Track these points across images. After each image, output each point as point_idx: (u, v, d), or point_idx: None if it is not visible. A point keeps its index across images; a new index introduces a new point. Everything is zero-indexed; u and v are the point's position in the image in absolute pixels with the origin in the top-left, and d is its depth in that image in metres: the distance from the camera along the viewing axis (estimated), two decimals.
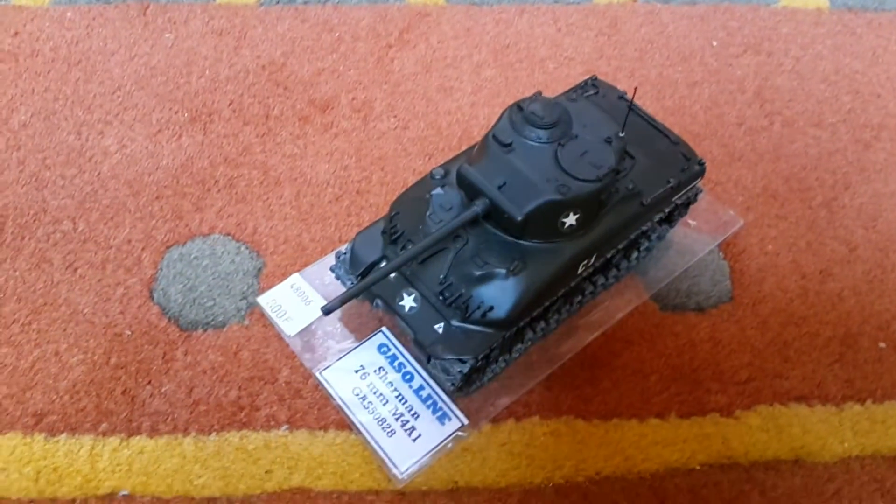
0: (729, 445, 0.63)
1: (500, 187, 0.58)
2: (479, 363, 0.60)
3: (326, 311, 0.53)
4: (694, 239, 0.73)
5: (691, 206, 0.72)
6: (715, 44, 0.88)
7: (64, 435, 0.60)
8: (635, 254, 0.70)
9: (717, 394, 0.65)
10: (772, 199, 0.76)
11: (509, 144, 0.59)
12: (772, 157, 0.79)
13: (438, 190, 0.60)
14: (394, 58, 0.84)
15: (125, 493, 0.58)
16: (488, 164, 0.59)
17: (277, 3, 0.88)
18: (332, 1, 0.89)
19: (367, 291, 0.62)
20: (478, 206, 0.58)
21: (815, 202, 0.76)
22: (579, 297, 0.67)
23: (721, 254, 0.73)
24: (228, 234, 0.71)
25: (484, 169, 0.59)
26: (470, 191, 0.59)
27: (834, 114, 0.83)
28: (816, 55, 0.88)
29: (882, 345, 0.68)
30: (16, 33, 0.83)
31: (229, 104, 0.79)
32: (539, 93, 0.62)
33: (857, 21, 0.92)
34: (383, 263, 0.62)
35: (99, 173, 0.74)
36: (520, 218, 0.57)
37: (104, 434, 0.61)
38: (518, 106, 0.61)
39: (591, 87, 0.70)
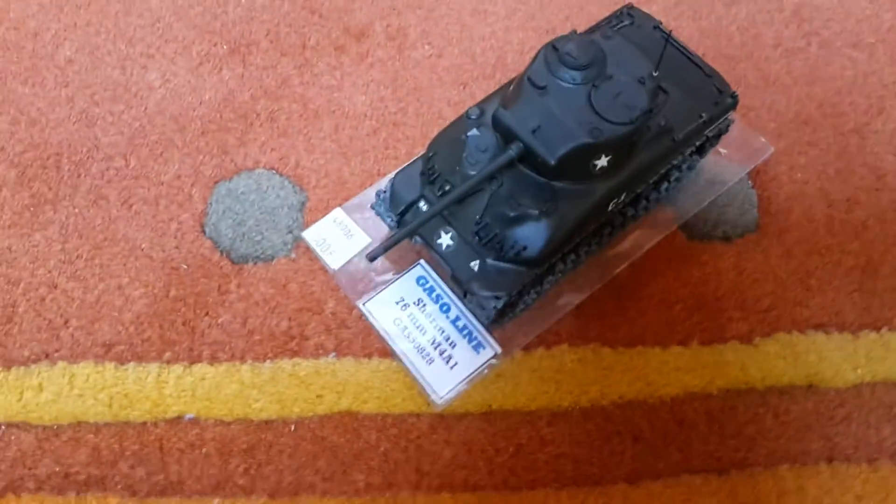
0: (747, 371, 0.65)
1: (534, 131, 0.58)
2: (513, 298, 0.62)
3: (371, 258, 0.56)
4: (724, 167, 0.73)
5: (723, 136, 0.72)
6: None
7: (132, 363, 0.65)
8: (665, 185, 0.70)
9: (739, 322, 0.67)
10: (804, 126, 0.75)
11: (544, 87, 0.59)
12: (807, 80, 0.77)
13: (474, 131, 0.61)
14: None
15: (191, 416, 0.63)
16: (523, 106, 0.59)
17: None
18: None
19: (406, 225, 0.65)
20: (512, 151, 0.59)
21: (846, 128, 0.75)
22: (609, 230, 0.69)
23: (750, 182, 0.73)
24: (272, 168, 0.73)
25: (518, 112, 0.59)
26: (505, 134, 0.60)
27: (873, 33, 0.80)
28: None
29: None
30: None
31: (266, 34, 0.79)
32: (574, 31, 0.61)
33: None
34: (422, 203, 0.63)
35: (146, 108, 0.75)
36: (553, 162, 0.57)
37: (168, 362, 0.65)
38: (553, 46, 0.60)
39: (627, 17, 0.68)
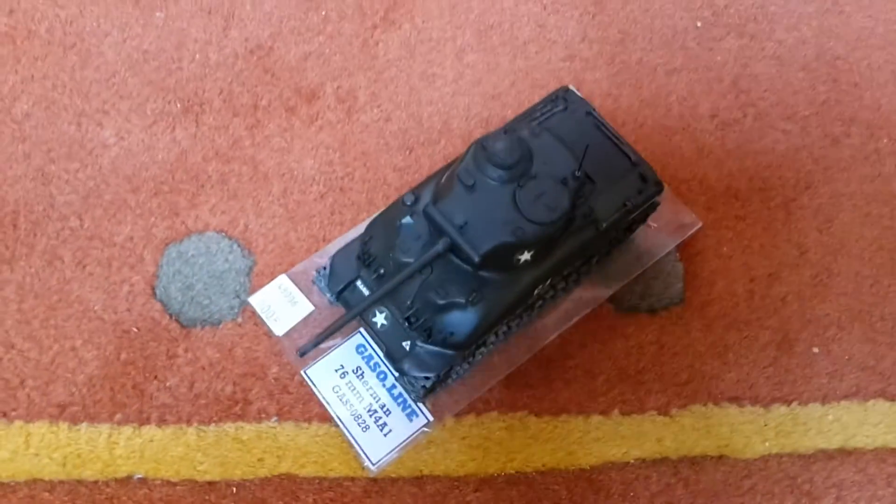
0: (662, 442, 0.72)
1: (460, 228, 0.63)
2: (441, 378, 0.68)
3: (302, 353, 0.61)
4: (653, 240, 0.79)
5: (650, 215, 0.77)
6: (699, 24, 0.88)
7: (84, 424, 0.70)
8: (595, 259, 0.76)
9: (657, 394, 0.73)
10: (733, 199, 0.80)
11: (472, 185, 0.63)
12: (739, 153, 0.82)
13: (408, 219, 0.66)
14: (378, 40, 0.86)
15: (140, 476, 0.69)
16: (451, 203, 0.64)
17: None
18: None
19: (345, 305, 0.70)
20: (440, 246, 0.64)
21: (773, 203, 0.80)
22: (539, 303, 0.74)
23: (677, 255, 0.78)
24: (222, 231, 0.77)
25: (447, 208, 0.64)
26: (435, 228, 0.64)
27: (808, 105, 0.85)
28: (800, 39, 0.88)
29: (815, 350, 0.75)
30: (11, 11, 0.86)
31: (220, 93, 0.83)
32: (503, 130, 0.66)
33: None
34: (359, 282, 0.69)
35: (100, 168, 0.79)
36: (477, 259, 0.62)
37: (119, 423, 0.71)
38: (482, 144, 0.65)
39: (561, 101, 0.73)
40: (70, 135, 0.81)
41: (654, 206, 0.75)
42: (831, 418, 0.74)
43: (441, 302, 0.66)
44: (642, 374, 0.74)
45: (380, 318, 0.68)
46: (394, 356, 0.67)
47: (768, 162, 0.82)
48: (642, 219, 0.76)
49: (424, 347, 0.67)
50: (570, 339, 0.75)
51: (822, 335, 0.76)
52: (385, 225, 0.69)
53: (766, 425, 0.73)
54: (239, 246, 0.78)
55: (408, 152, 0.82)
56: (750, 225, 0.80)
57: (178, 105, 0.83)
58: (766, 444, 0.73)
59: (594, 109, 0.74)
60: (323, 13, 0.88)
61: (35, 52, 0.85)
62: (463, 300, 0.65)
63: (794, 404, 0.74)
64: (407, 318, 0.66)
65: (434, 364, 0.67)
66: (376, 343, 0.71)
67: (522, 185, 0.64)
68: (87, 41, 0.85)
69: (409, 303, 0.66)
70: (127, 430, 0.71)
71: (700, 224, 0.79)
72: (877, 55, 0.88)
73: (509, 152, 0.65)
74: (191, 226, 0.78)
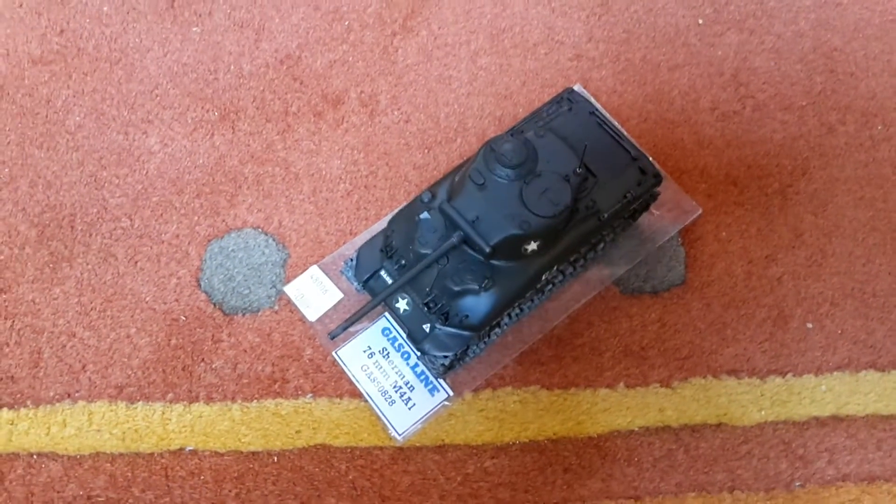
0: (664, 412, 0.81)
1: (472, 222, 0.73)
2: (458, 356, 0.78)
3: (333, 336, 0.71)
4: (656, 227, 0.88)
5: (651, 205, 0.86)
6: (701, 22, 0.97)
7: (140, 403, 0.82)
8: (602, 245, 0.85)
9: (660, 368, 0.82)
10: (732, 187, 0.89)
11: (482, 183, 0.73)
12: (738, 143, 0.91)
13: (425, 214, 0.76)
14: (398, 47, 0.96)
15: (190, 448, 0.80)
16: (464, 199, 0.75)
17: None
18: None
19: (370, 293, 0.80)
20: (454, 238, 0.74)
21: (770, 189, 0.89)
22: (549, 287, 0.84)
23: (679, 240, 0.87)
24: (258, 228, 0.88)
25: (460, 205, 0.74)
26: (449, 222, 0.74)
27: (804, 96, 0.93)
28: (798, 32, 0.96)
29: (809, 325, 0.84)
30: (61, 31, 0.98)
31: (253, 101, 0.94)
32: (510, 133, 0.75)
33: None
34: (382, 272, 0.79)
35: (147, 172, 0.91)
36: (487, 249, 0.72)
37: (171, 402, 0.82)
38: (491, 147, 0.74)
39: (566, 102, 0.82)
40: (119, 143, 0.93)
41: (654, 196, 0.84)
42: (824, 388, 0.82)
43: (457, 288, 0.76)
44: (646, 351, 0.83)
45: (402, 304, 0.78)
46: (415, 338, 0.78)
47: (766, 151, 0.91)
48: (644, 208, 0.85)
49: (443, 329, 0.77)
50: (579, 319, 0.85)
51: (816, 311, 0.85)
52: (405, 220, 0.79)
53: (762, 395, 0.82)
54: (274, 240, 0.88)
55: (426, 151, 0.91)
56: (748, 210, 0.88)
57: (216, 113, 0.94)
58: (762, 412, 0.81)
59: (597, 109, 0.83)
60: (346, 23, 0.98)
61: (84, 68, 0.96)
62: (476, 286, 0.75)
63: (789, 375, 0.83)
64: (426, 304, 0.76)
65: (452, 344, 0.77)
66: (400, 326, 0.82)
67: (528, 183, 0.74)
68: (131, 56, 0.97)
69: (428, 290, 0.77)
70: (178, 407, 0.82)
71: (700, 210, 0.88)
72: (873, 45, 0.95)
73: (516, 153, 0.74)
74: (230, 223, 0.89)
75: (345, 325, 0.74)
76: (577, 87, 0.88)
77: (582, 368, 0.84)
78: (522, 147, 0.76)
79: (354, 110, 0.95)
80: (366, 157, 0.92)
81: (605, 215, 0.79)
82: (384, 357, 0.85)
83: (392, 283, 0.76)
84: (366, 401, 0.82)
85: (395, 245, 0.79)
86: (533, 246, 0.75)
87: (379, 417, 0.82)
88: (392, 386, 0.83)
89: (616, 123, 0.83)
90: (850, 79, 0.95)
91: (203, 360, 0.85)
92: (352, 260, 0.83)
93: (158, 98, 0.96)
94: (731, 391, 0.83)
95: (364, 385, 0.83)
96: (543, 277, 0.80)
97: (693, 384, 0.83)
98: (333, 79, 0.96)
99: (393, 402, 0.83)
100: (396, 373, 0.84)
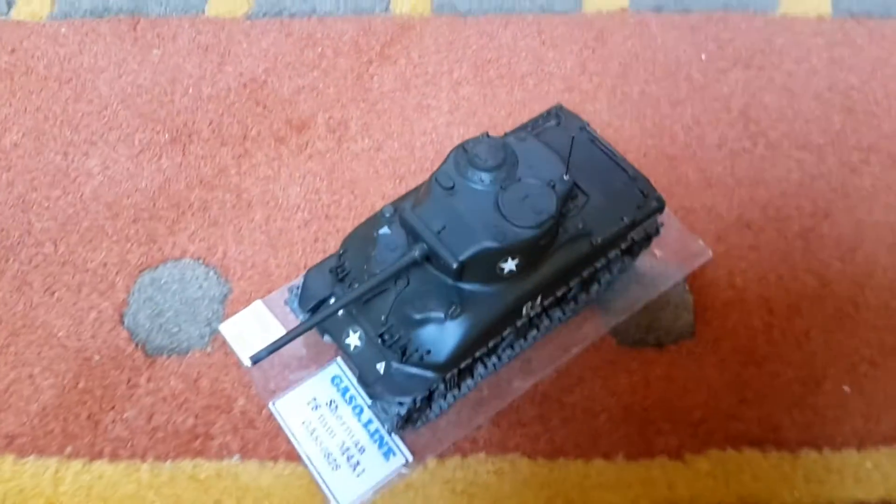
0: (675, 491, 0.60)
1: (438, 232, 0.56)
2: (419, 405, 0.58)
3: (254, 360, 0.53)
4: (659, 271, 0.70)
5: (657, 238, 0.69)
6: (704, 57, 0.82)
7: (32, 457, 0.62)
8: (595, 287, 0.67)
9: (668, 435, 0.62)
10: (745, 229, 0.72)
11: (451, 187, 0.56)
12: (751, 182, 0.74)
13: (385, 229, 0.59)
14: (374, 74, 0.82)
15: None
16: (430, 207, 0.57)
17: (264, 15, 0.86)
18: (317, 13, 0.86)
19: (318, 326, 0.62)
20: (416, 252, 0.56)
21: (791, 232, 0.72)
22: (534, 332, 0.65)
23: (686, 287, 0.69)
24: (199, 258, 0.71)
25: (424, 213, 0.57)
26: (411, 234, 0.57)
27: (822, 134, 0.77)
28: (811, 69, 0.81)
29: (846, 388, 0.64)
30: (13, 50, 0.84)
31: (209, 124, 0.78)
32: (486, 133, 0.59)
33: (859, 30, 0.84)
34: (332, 300, 0.61)
35: (82, 195, 0.74)
36: (455, 265, 0.54)
37: (69, 457, 0.62)
38: (463, 147, 0.58)
39: (554, 118, 0.66)
40: (56, 164, 0.77)
41: (656, 230, 0.67)
42: (870, 466, 0.62)
43: (418, 316, 0.57)
44: (650, 413, 0.64)
45: (353, 339, 0.59)
46: (366, 379, 0.58)
47: (782, 190, 0.74)
48: (644, 242, 0.68)
49: (400, 368, 0.58)
50: (569, 373, 0.65)
51: (853, 372, 0.65)
52: (362, 238, 0.62)
53: (794, 473, 0.61)
54: (215, 273, 0.71)
55: (398, 181, 0.75)
56: (765, 255, 0.71)
57: (167, 135, 0.78)
58: (795, 493, 0.60)
59: (588, 125, 0.67)
60: (319, 50, 0.84)
61: (31, 87, 0.81)
62: (442, 314, 0.57)
63: (826, 449, 0.62)
64: (381, 336, 0.58)
65: (410, 387, 0.57)
66: (350, 368, 0.63)
67: (506, 188, 0.57)
68: (84, 76, 0.82)
69: (383, 318, 0.58)
70: (76, 464, 0.62)
71: (710, 254, 0.70)
72: (892, 85, 0.80)
73: (492, 154, 0.58)
74: (167, 252, 0.72)
75: (271, 346, 0.54)
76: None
77: (572, 433, 0.64)
78: (500, 148, 0.59)
79: (321, 136, 0.79)
80: (329, 185, 0.76)
81: (599, 240, 0.62)
82: (332, 411, 0.65)
83: (335, 302, 0.58)
84: (304, 465, 0.62)
85: (349, 266, 0.61)
86: (511, 265, 0.57)
87: (319, 486, 0.61)
88: (338, 447, 0.63)
89: (610, 145, 0.67)
90: (870, 118, 0.79)
91: (113, 407, 0.65)
92: (298, 287, 0.66)
93: (106, 119, 0.80)
94: (756, 467, 0.62)
95: (304, 444, 0.63)
96: (524, 310, 0.61)
97: (709, 457, 0.63)
98: (300, 104, 0.81)
99: (338, 466, 0.62)
100: (345, 430, 0.64)
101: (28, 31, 0.85)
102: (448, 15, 0.86)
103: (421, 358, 0.57)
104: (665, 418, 0.63)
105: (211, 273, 0.70)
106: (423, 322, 0.57)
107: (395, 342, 0.57)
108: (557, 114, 0.67)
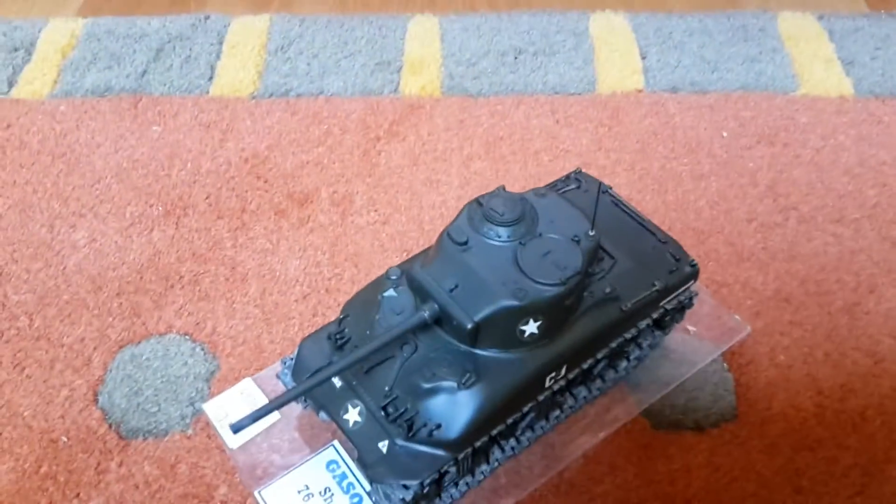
0: None
1: (451, 290, 0.51)
2: (427, 489, 0.52)
3: (235, 429, 0.47)
4: (693, 347, 0.64)
5: (689, 311, 0.64)
6: (725, 134, 0.81)
7: None
8: (624, 363, 0.62)
9: None
10: (784, 304, 0.67)
11: (465, 243, 0.53)
12: (785, 256, 0.70)
13: (391, 291, 0.54)
14: (381, 150, 0.80)
15: None
16: (441, 264, 0.53)
17: (270, 95, 0.86)
18: (324, 94, 0.86)
19: (313, 402, 0.56)
20: (425, 312, 0.51)
21: (834, 307, 0.67)
22: (557, 412, 0.59)
23: (725, 364, 0.64)
24: (186, 334, 0.66)
25: (436, 270, 0.52)
26: (420, 294, 0.53)
27: (857, 209, 0.74)
28: (838, 146, 0.79)
29: None
30: (8, 126, 0.83)
31: (206, 197, 0.76)
32: (502, 187, 0.56)
33: (884, 109, 0.83)
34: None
35: (64, 268, 0.70)
36: (470, 326, 0.50)
37: None
38: (478, 201, 0.55)
39: (574, 181, 0.64)
40: (40, 237, 0.73)
41: (690, 300, 0.62)
42: None
43: (426, 385, 0.51)
44: None
45: (352, 415, 0.53)
46: (366, 460, 0.52)
47: (821, 265, 0.70)
48: (677, 314, 0.63)
49: (406, 447, 0.51)
50: (598, 459, 0.59)
51: None
52: (364, 303, 0.57)
53: None
54: (202, 349, 0.65)
55: (405, 254, 0.71)
56: (808, 331, 0.66)
57: (160, 208, 0.75)
58: None
59: (611, 188, 0.64)
60: (325, 127, 0.82)
61: (22, 161, 0.79)
62: (454, 382, 0.51)
63: None
64: (384, 408, 0.52)
65: (416, 468, 0.51)
66: (348, 449, 0.56)
67: (525, 244, 0.53)
68: (78, 151, 0.80)
69: (387, 388, 0.53)
70: None
71: (749, 329, 0.65)
72: None
73: (509, 207, 0.54)
74: (151, 328, 0.67)
75: (255, 414, 0.48)
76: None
77: None
78: (518, 202, 0.56)
79: (324, 210, 0.76)
80: (331, 258, 0.72)
81: (629, 304, 0.57)
82: (326, 501, 0.57)
83: (331, 365, 0.52)
84: None
85: (349, 333, 0.56)
86: (532, 328, 0.52)
87: None
88: None
89: (636, 209, 0.64)
90: None
91: (78, 495, 0.58)
92: (291, 358, 0.60)
93: (98, 192, 0.77)
94: None
95: None
96: (547, 382, 0.56)
97: None
98: (303, 178, 0.78)
99: None
100: None
101: (26, 108, 0.85)
102: (458, 96, 0.86)
103: (430, 434, 0.50)
104: None
105: (197, 349, 0.65)
106: (433, 392, 0.51)
107: (401, 416, 0.51)
108: (577, 177, 0.64)
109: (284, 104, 0.85)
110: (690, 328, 0.65)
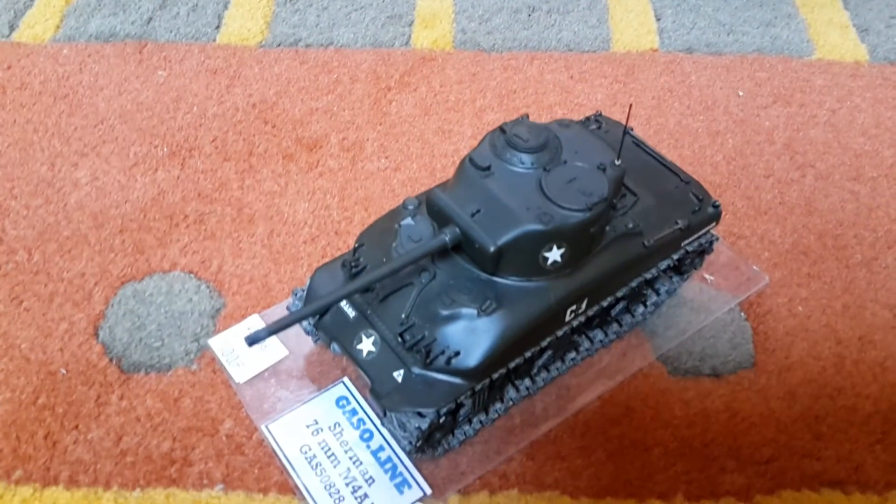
0: None
1: (473, 215, 0.50)
2: (443, 419, 0.50)
3: (250, 341, 0.45)
4: (711, 296, 0.63)
5: (707, 258, 0.63)
6: (741, 94, 0.80)
7: None
8: (641, 308, 0.61)
9: (734, 473, 0.54)
10: (802, 256, 0.66)
11: (487, 168, 0.51)
12: (803, 211, 0.70)
13: (408, 220, 0.53)
14: (392, 100, 0.79)
15: None
16: (462, 189, 0.52)
17: (278, 45, 0.84)
18: (334, 44, 0.84)
19: (325, 333, 0.55)
20: (446, 235, 0.50)
21: (852, 261, 0.66)
22: (573, 354, 0.58)
23: (743, 314, 0.63)
24: (191, 272, 0.64)
25: (457, 195, 0.51)
26: (440, 218, 0.51)
27: (874, 168, 0.73)
28: (854, 107, 0.79)
29: None
30: (9, 67, 0.81)
31: (212, 140, 0.74)
32: (526, 116, 0.55)
33: None
34: (343, 302, 0.54)
35: (65, 205, 0.69)
36: (492, 249, 0.48)
37: (17, 482, 0.53)
38: (501, 129, 0.54)
39: (594, 122, 0.63)
40: (41, 174, 0.71)
41: (710, 242, 0.61)
42: None
43: (445, 312, 0.50)
44: (711, 449, 0.55)
45: (366, 345, 0.52)
46: (380, 390, 0.50)
47: (839, 220, 0.69)
48: (697, 259, 0.62)
49: (423, 375, 0.50)
50: (614, 402, 0.57)
51: None
52: (381, 232, 0.55)
53: None
54: (208, 287, 0.64)
55: None
56: (827, 284, 0.65)
57: (165, 149, 0.73)
58: None
59: (632, 129, 0.63)
60: (335, 76, 0.81)
61: (23, 101, 0.78)
62: (474, 309, 0.50)
63: None
64: (401, 335, 0.51)
65: (433, 397, 0.49)
66: (362, 377, 0.54)
67: (549, 171, 0.52)
68: (80, 93, 0.78)
69: (404, 315, 0.51)
70: (25, 490, 0.52)
71: (767, 279, 0.64)
72: None
73: (534, 135, 0.53)
74: (155, 265, 0.65)
75: (271, 327, 0.47)
76: None
77: (621, 469, 0.55)
78: (542, 130, 0.55)
79: (333, 155, 0.74)
80: (340, 201, 0.70)
81: (651, 241, 0.56)
82: (335, 436, 0.56)
83: (346, 286, 0.50)
84: (300, 497, 0.53)
85: (364, 262, 0.55)
86: (556, 255, 0.51)
87: None
88: (342, 477, 0.54)
89: (658, 151, 0.63)
90: None
91: (77, 427, 0.56)
92: (302, 290, 0.59)
93: (101, 133, 0.75)
94: None
95: (302, 474, 0.54)
96: (568, 315, 0.55)
97: (783, 499, 0.53)
98: (312, 124, 0.77)
99: (341, 499, 0.53)
100: (351, 458, 0.55)
101: (28, 50, 0.83)
102: (471, 51, 0.85)
103: (448, 361, 0.49)
104: (729, 455, 0.55)
105: (203, 287, 0.63)
106: (452, 319, 0.50)
107: (417, 343, 0.50)
108: (598, 119, 0.63)
109: (293, 53, 0.83)
110: (708, 277, 0.64)
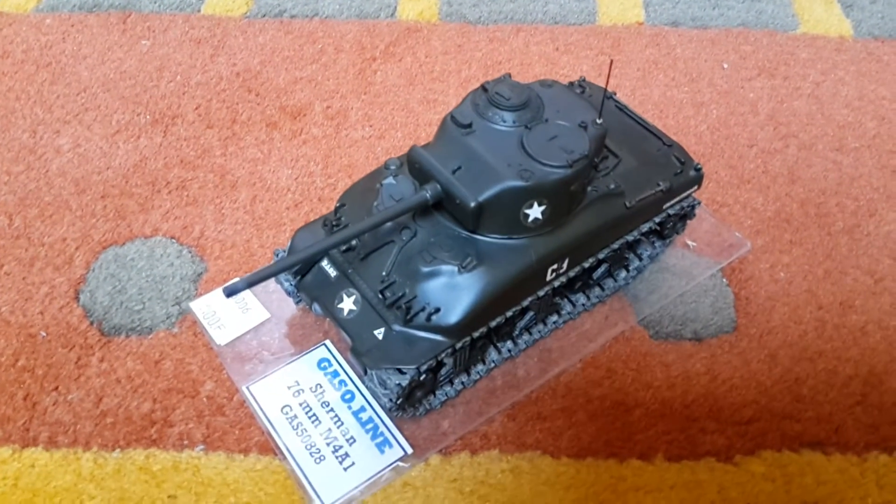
0: (726, 496, 0.51)
1: (454, 171, 0.50)
2: (423, 377, 0.50)
3: (228, 292, 0.45)
4: (693, 261, 0.64)
5: (689, 224, 0.64)
6: (726, 66, 0.80)
7: None
8: (623, 273, 0.61)
9: (714, 434, 0.54)
10: (785, 224, 0.66)
11: (469, 125, 0.51)
12: (786, 180, 0.70)
13: (390, 179, 0.53)
14: (377, 70, 0.78)
15: None
16: (444, 146, 0.51)
17: (263, 16, 0.84)
18: (319, 15, 0.84)
19: (306, 293, 0.54)
20: (427, 192, 0.50)
21: (834, 228, 0.66)
22: (555, 317, 0.58)
23: (725, 280, 0.63)
24: (172, 237, 0.64)
25: (438, 151, 0.51)
26: (421, 175, 0.51)
27: (857, 139, 0.74)
28: (838, 80, 0.79)
29: None
30: None
31: (195, 108, 0.74)
32: (508, 75, 0.55)
33: (883, 49, 0.83)
34: (324, 261, 0.53)
35: (47, 171, 0.68)
36: (473, 205, 0.48)
37: None
38: (483, 87, 0.53)
39: (579, 88, 0.62)
40: (22, 141, 0.71)
41: (691, 206, 0.61)
42: None
43: (426, 269, 0.50)
44: (692, 409, 0.55)
45: (347, 304, 0.52)
46: (360, 348, 0.50)
47: (821, 189, 0.69)
48: (679, 223, 0.62)
49: (403, 332, 0.50)
50: (595, 364, 0.57)
51: None
52: (362, 192, 0.55)
53: (863, 478, 0.53)
54: (189, 252, 0.63)
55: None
56: (809, 250, 0.65)
57: (148, 117, 0.73)
58: (868, 501, 0.52)
59: (615, 94, 0.63)
60: (319, 46, 0.81)
61: (4, 69, 0.77)
62: (455, 266, 0.50)
63: None
64: (381, 293, 0.50)
65: (414, 354, 0.49)
66: (343, 337, 0.54)
67: (531, 129, 0.52)
68: (63, 62, 0.78)
69: (384, 273, 0.51)
70: (4, 451, 0.52)
71: (749, 245, 0.64)
72: None
73: (515, 93, 0.53)
74: (137, 230, 0.64)
75: (250, 278, 0.47)
76: None
77: (602, 430, 0.55)
78: (524, 89, 0.55)
79: (317, 123, 0.74)
80: (324, 168, 0.70)
81: (633, 202, 0.56)
82: (316, 396, 0.56)
83: (326, 239, 0.50)
84: (281, 458, 0.53)
85: (345, 220, 0.55)
86: (537, 212, 0.51)
87: (298, 481, 0.52)
88: (323, 437, 0.54)
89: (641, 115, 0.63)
90: None
91: (56, 388, 0.56)
92: (283, 251, 0.58)
93: (83, 101, 0.74)
94: (819, 470, 0.53)
95: (282, 433, 0.54)
96: (549, 274, 0.54)
97: (764, 458, 0.54)
98: (296, 93, 0.76)
99: (322, 458, 0.53)
100: (332, 418, 0.55)
101: (10, 20, 0.82)
102: (456, 23, 0.84)
103: (428, 318, 0.49)
104: (710, 416, 0.55)
105: (184, 251, 0.63)
106: (432, 276, 0.50)
107: (398, 300, 0.50)
108: (581, 84, 0.63)
109: (278, 24, 0.83)
110: (690, 243, 0.64)
